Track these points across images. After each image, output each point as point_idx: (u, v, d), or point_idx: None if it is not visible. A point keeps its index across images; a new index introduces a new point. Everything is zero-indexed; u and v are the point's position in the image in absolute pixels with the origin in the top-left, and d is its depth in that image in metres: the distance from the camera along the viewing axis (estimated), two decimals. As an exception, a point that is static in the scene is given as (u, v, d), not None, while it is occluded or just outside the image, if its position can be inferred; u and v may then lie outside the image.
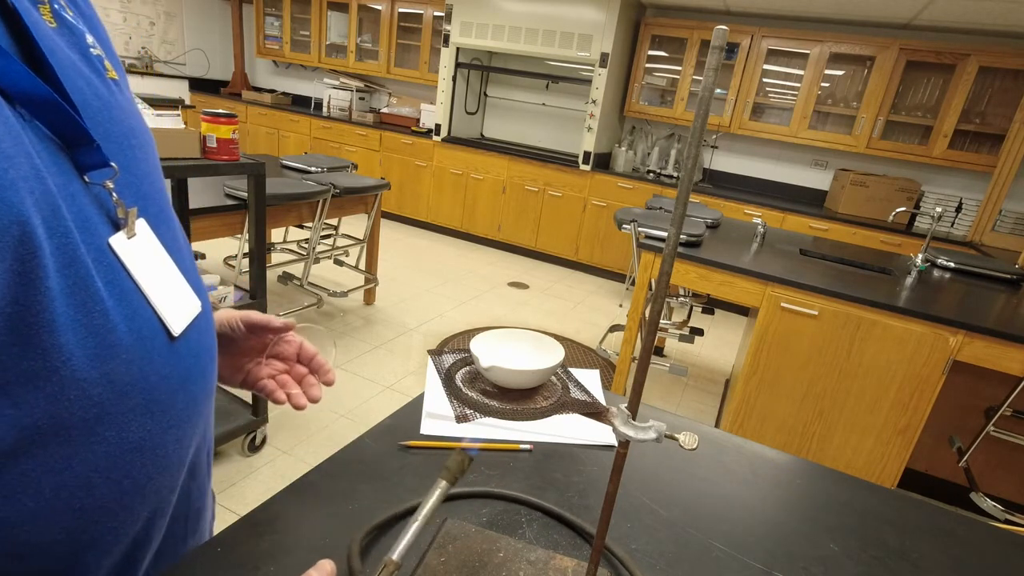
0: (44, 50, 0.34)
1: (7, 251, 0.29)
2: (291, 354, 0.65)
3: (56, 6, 0.38)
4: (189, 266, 0.47)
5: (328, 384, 0.65)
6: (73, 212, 0.34)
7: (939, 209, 2.47)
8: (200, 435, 0.49)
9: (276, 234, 3.81)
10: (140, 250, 0.40)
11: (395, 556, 0.41)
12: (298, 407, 0.62)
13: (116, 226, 0.38)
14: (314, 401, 0.63)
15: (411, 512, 0.56)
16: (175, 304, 0.42)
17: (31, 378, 0.32)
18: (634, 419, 0.42)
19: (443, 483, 0.44)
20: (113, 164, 0.38)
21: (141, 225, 0.41)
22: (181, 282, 0.44)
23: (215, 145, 1.60)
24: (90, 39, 0.41)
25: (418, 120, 5.26)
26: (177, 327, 0.42)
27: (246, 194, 1.87)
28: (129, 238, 0.39)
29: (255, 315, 0.62)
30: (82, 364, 0.34)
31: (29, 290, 0.30)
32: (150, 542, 0.45)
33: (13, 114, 0.31)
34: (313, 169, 3.12)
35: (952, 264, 2.47)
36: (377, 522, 0.54)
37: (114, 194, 0.38)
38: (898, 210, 2.41)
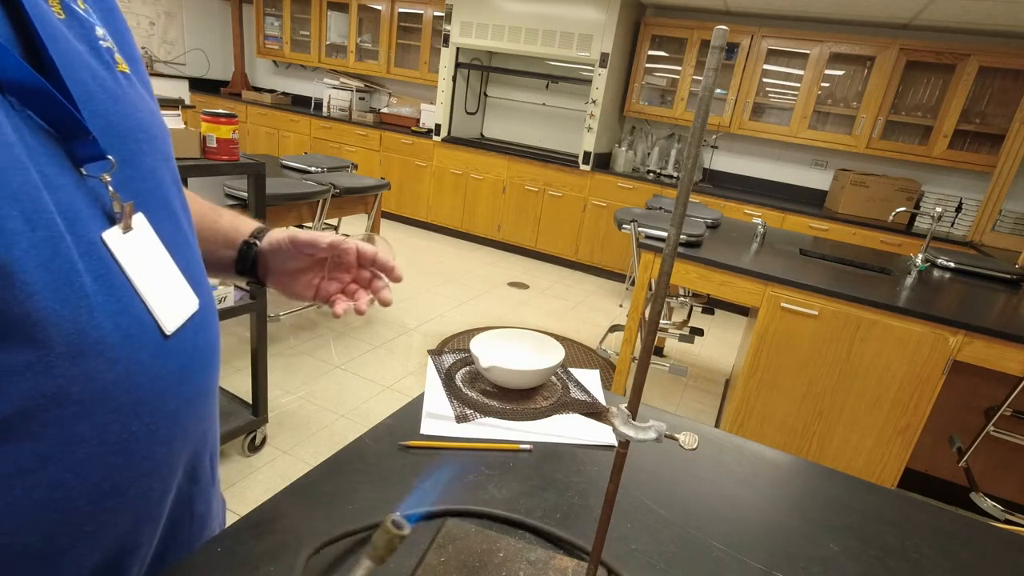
0: (44, 40, 0.33)
1: None
2: (351, 262, 0.64)
3: None
4: (192, 263, 0.47)
5: (396, 281, 0.64)
6: (60, 204, 0.33)
7: (939, 209, 2.47)
8: (198, 437, 0.48)
9: (276, 234, 3.81)
10: (136, 245, 0.39)
11: None
12: (360, 312, 0.62)
13: (112, 220, 0.38)
14: (385, 304, 0.63)
15: (362, 531, 0.53)
16: (170, 301, 0.41)
17: (6, 372, 0.31)
18: (634, 419, 0.42)
19: (367, 563, 0.38)
20: (110, 157, 0.37)
21: (139, 220, 0.40)
22: (178, 279, 0.43)
23: (215, 145, 1.60)
24: (100, 31, 0.40)
25: (418, 120, 5.26)
26: (170, 325, 0.41)
27: (246, 194, 1.86)
28: (125, 233, 0.38)
29: (301, 235, 0.63)
30: (60, 361, 0.33)
31: (6, 282, 0.30)
32: (138, 549, 0.44)
33: (6, 102, 0.31)
34: (313, 169, 3.12)
35: (952, 264, 2.47)
36: (326, 540, 0.51)
37: (110, 187, 0.38)
38: (898, 210, 2.41)
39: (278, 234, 0.64)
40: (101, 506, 0.38)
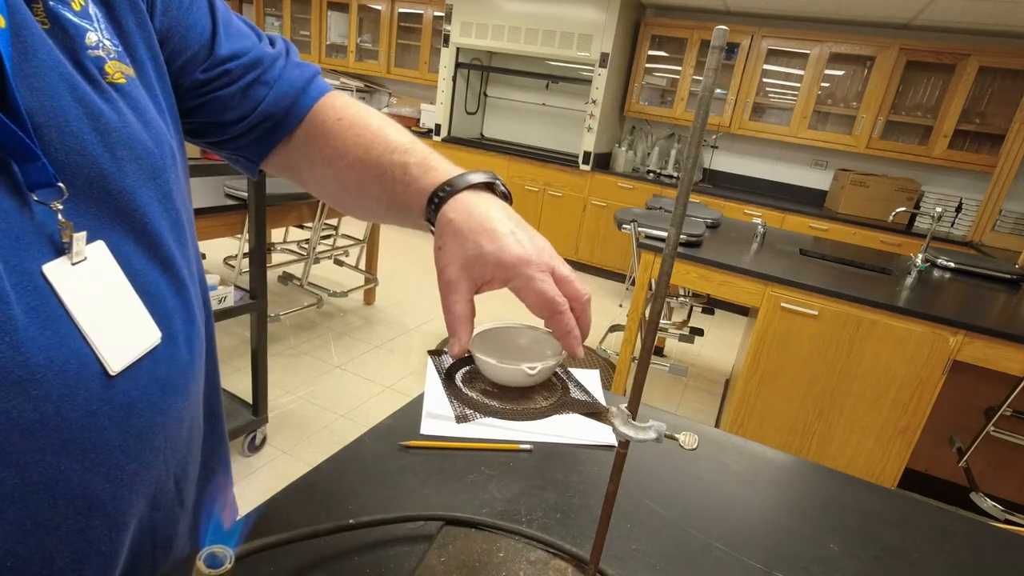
0: (6, 57, 0.32)
1: None
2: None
3: (52, 3, 0.36)
4: (169, 290, 0.44)
5: (573, 355, 0.48)
6: None
7: (939, 209, 2.47)
8: (159, 466, 0.45)
9: (276, 234, 3.81)
10: (86, 277, 0.36)
11: None
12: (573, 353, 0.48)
13: (59, 250, 0.35)
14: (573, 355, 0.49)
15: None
16: (121, 336, 0.38)
17: None
18: (634, 419, 0.42)
19: None
20: (60, 184, 0.35)
21: (97, 249, 0.38)
22: (137, 313, 0.40)
23: (215, 145, 1.60)
24: (92, 38, 0.37)
25: (418, 120, 5.26)
26: (117, 363, 0.38)
27: (246, 194, 1.87)
28: (74, 264, 0.36)
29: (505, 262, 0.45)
30: None
31: None
32: (107, 570, 0.42)
33: None
34: (313, 169, 3.12)
35: (952, 264, 2.47)
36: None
37: (60, 216, 0.35)
38: (898, 210, 2.41)
39: (469, 227, 0.46)
40: (25, 544, 0.36)
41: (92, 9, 0.39)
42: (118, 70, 0.39)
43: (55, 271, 0.35)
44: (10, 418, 0.33)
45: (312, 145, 0.57)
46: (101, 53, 0.38)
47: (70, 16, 0.37)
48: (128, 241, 0.40)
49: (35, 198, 0.34)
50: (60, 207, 0.35)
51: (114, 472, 0.40)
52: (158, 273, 0.43)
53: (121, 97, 0.39)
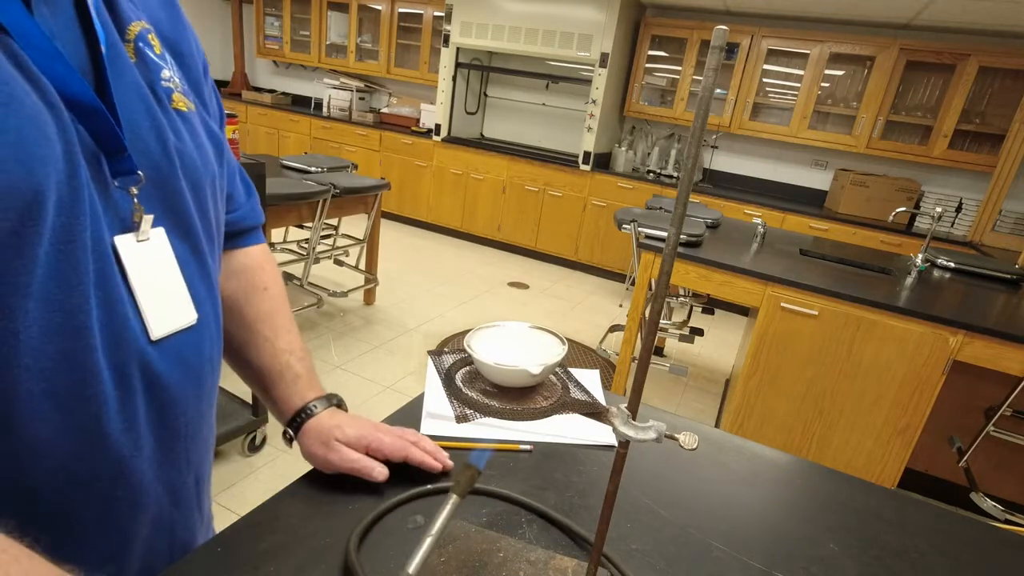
0: (109, 74, 0.40)
1: (12, 211, 0.32)
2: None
3: (140, 44, 0.45)
4: (201, 284, 0.49)
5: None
6: (90, 203, 0.38)
7: (939, 209, 2.47)
8: (179, 457, 0.49)
9: (276, 234, 3.81)
10: (146, 254, 0.43)
11: (411, 570, 0.41)
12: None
13: (128, 228, 0.42)
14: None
15: (399, 505, 0.58)
16: (164, 310, 0.44)
17: None
18: (634, 419, 0.42)
19: (455, 497, 0.45)
20: (140, 173, 0.42)
21: (157, 233, 0.45)
22: (181, 294, 0.47)
23: (215, 145, 1.60)
24: (167, 74, 0.48)
25: (418, 120, 5.26)
26: (157, 330, 0.44)
27: (246, 194, 1.86)
28: (139, 241, 0.42)
29: (415, 455, 0.61)
30: (37, 334, 0.35)
31: (18, 252, 0.33)
32: (119, 559, 0.45)
33: (67, 115, 0.37)
34: (313, 169, 3.12)
35: (952, 264, 2.47)
36: (369, 519, 0.55)
37: (135, 200, 0.42)
38: (898, 210, 2.41)
39: (342, 431, 0.61)
40: (57, 488, 0.39)
41: (167, 56, 0.49)
42: (183, 101, 0.49)
43: (123, 243, 0.42)
44: (67, 359, 0.37)
45: (236, 289, 0.65)
46: (171, 85, 0.48)
47: (151, 55, 0.47)
48: (176, 235, 0.47)
49: (115, 184, 0.41)
50: (136, 192, 0.43)
51: (139, 442, 0.44)
52: (195, 267, 0.49)
53: (182, 121, 0.48)
